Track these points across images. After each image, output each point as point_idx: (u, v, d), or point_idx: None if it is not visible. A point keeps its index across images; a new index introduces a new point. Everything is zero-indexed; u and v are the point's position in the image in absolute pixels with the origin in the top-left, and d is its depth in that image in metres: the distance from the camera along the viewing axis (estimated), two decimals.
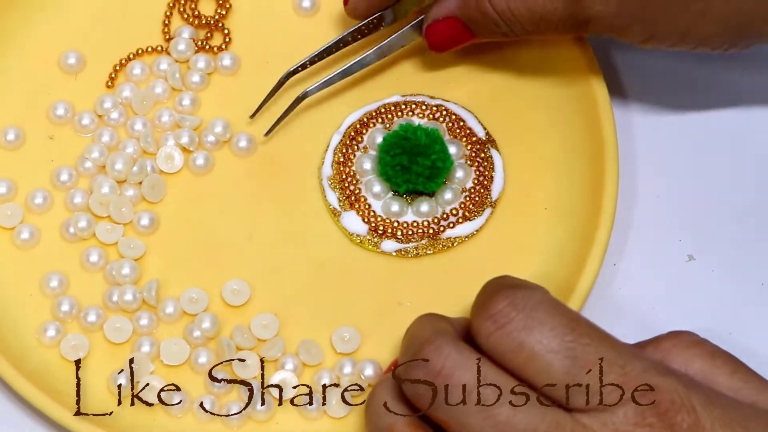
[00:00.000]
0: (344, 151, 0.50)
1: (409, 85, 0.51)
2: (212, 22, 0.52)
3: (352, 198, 0.49)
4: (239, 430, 0.46)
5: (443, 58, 0.51)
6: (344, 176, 0.49)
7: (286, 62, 0.52)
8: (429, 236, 0.49)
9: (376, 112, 0.50)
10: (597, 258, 0.47)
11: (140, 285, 0.48)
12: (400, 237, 0.49)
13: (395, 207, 0.49)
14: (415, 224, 0.49)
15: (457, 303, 0.47)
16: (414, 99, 0.51)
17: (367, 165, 0.49)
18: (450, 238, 0.49)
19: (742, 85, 0.52)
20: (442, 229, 0.49)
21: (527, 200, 0.49)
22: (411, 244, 0.49)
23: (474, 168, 0.49)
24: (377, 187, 0.49)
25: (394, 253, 0.48)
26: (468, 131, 0.50)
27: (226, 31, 0.52)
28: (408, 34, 0.49)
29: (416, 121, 0.50)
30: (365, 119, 0.50)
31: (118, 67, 0.51)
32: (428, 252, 0.49)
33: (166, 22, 0.52)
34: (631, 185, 0.50)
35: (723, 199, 0.50)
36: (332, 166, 0.50)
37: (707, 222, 0.50)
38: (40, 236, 0.49)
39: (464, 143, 0.50)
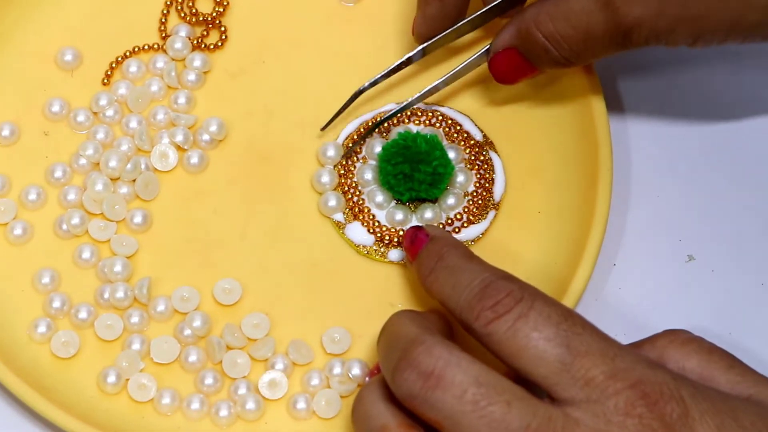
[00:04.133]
0: (344, 162, 0.49)
1: (402, 92, 0.51)
2: (209, 19, 0.52)
3: (356, 209, 0.48)
4: (228, 429, 0.46)
5: (433, 65, 0.51)
6: (346, 188, 0.49)
7: (284, 61, 0.51)
8: None
9: (372, 121, 0.50)
10: (590, 258, 0.46)
11: (132, 282, 0.48)
12: None
13: (399, 216, 0.48)
14: None
15: None
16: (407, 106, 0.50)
17: (368, 175, 0.49)
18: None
19: (743, 86, 0.52)
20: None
21: (523, 203, 0.49)
22: None
23: (474, 171, 0.49)
24: (380, 197, 0.49)
25: (402, 262, 0.48)
26: (465, 135, 0.50)
27: (222, 29, 0.52)
28: (478, 59, 0.49)
29: (413, 128, 0.50)
30: (362, 129, 0.50)
31: (114, 65, 0.51)
32: None
33: (163, 20, 0.52)
34: (632, 185, 0.50)
35: (723, 199, 0.50)
36: None
37: (707, 222, 0.50)
38: (33, 232, 0.49)
39: (462, 147, 0.50)
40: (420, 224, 0.47)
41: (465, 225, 0.48)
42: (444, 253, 0.43)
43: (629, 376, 0.38)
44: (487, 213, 0.49)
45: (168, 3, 0.52)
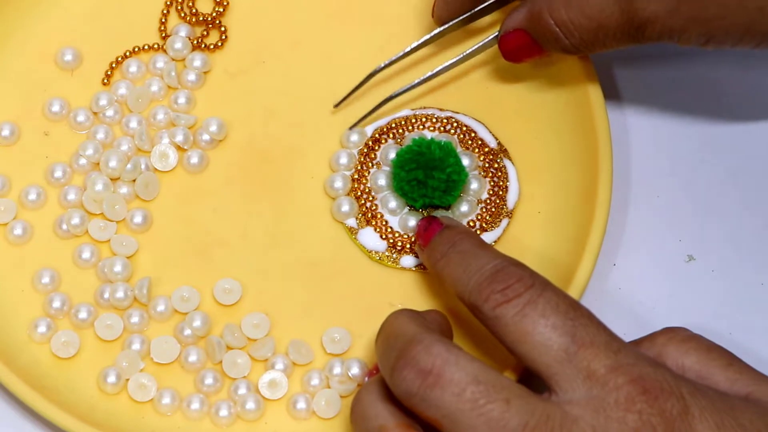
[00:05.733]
0: (358, 167, 0.49)
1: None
2: (209, 19, 0.52)
3: (369, 215, 0.48)
4: (228, 429, 0.46)
5: (446, 48, 0.51)
6: (359, 193, 0.49)
7: (284, 61, 0.51)
8: None
9: (387, 127, 0.50)
10: (590, 258, 0.46)
11: (132, 282, 0.48)
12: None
13: (412, 222, 0.48)
14: None
15: (447, 308, 0.47)
16: (424, 112, 0.50)
17: (382, 181, 0.49)
18: None
19: (744, 85, 0.52)
20: None
21: (523, 203, 0.49)
22: None
23: (488, 179, 0.49)
24: (393, 203, 0.49)
25: (414, 268, 0.48)
26: (480, 142, 0.50)
27: (222, 29, 0.52)
28: (489, 42, 0.49)
29: (428, 134, 0.50)
30: (377, 135, 0.50)
31: (114, 65, 0.51)
32: None
33: (163, 20, 0.52)
34: (632, 185, 0.50)
35: (723, 199, 0.50)
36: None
37: (707, 222, 0.50)
38: (33, 232, 0.49)
39: (477, 154, 0.50)
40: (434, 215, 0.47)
41: (478, 232, 0.48)
42: (457, 240, 0.43)
43: (631, 371, 0.38)
44: (500, 221, 0.49)
45: (168, 3, 0.52)
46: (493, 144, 0.50)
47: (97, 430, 0.44)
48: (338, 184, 0.49)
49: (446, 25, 0.49)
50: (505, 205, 0.49)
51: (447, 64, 0.49)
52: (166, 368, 0.47)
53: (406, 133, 0.50)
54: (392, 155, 0.49)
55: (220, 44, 0.52)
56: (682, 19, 0.44)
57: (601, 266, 0.48)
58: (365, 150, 0.49)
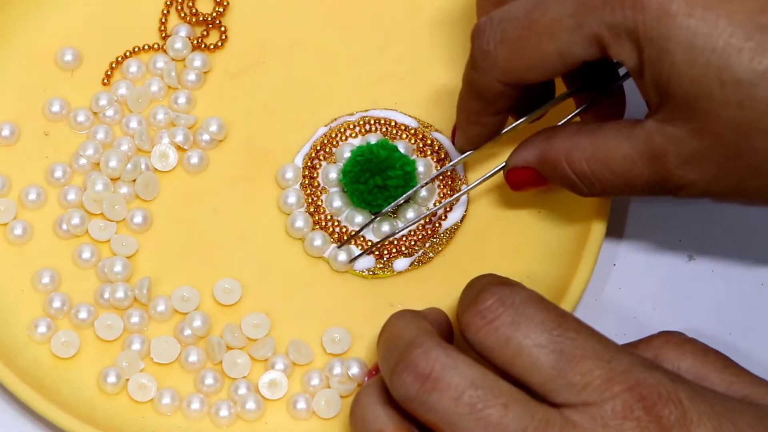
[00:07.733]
0: (308, 201, 0.49)
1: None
2: (209, 19, 0.52)
3: (344, 239, 0.48)
4: (228, 429, 0.46)
5: None
6: (324, 223, 0.48)
7: (284, 61, 0.51)
8: (429, 237, 0.48)
9: (313, 152, 0.49)
10: (590, 258, 0.46)
11: (132, 283, 0.48)
12: (405, 251, 0.48)
13: (385, 227, 0.48)
14: (412, 233, 0.48)
15: (447, 306, 0.47)
16: (337, 124, 0.50)
17: (337, 203, 0.49)
18: (450, 227, 0.48)
19: None
20: (437, 225, 0.48)
21: (523, 203, 0.49)
22: (418, 253, 0.48)
23: (429, 157, 0.49)
24: (359, 218, 0.48)
25: (410, 267, 0.48)
26: (403, 127, 0.50)
27: (222, 29, 0.52)
28: (494, 173, 0.47)
29: (354, 141, 0.49)
30: (308, 162, 0.49)
31: (114, 65, 0.51)
32: (439, 249, 0.48)
33: (163, 20, 0.52)
34: None
35: None
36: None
37: (707, 222, 0.50)
38: (33, 232, 0.49)
39: (405, 139, 0.49)
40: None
41: (448, 209, 0.48)
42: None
43: (626, 379, 0.38)
44: (460, 188, 0.49)
45: (168, 3, 0.52)
46: (414, 124, 0.50)
47: (97, 430, 0.44)
48: (299, 224, 0.48)
49: (467, 153, 0.47)
50: (456, 173, 0.49)
51: (459, 194, 0.47)
52: (166, 368, 0.47)
53: (334, 149, 0.49)
54: (333, 175, 0.49)
55: (220, 44, 0.52)
56: (720, 189, 0.42)
57: (600, 266, 0.48)
58: (306, 182, 0.49)
